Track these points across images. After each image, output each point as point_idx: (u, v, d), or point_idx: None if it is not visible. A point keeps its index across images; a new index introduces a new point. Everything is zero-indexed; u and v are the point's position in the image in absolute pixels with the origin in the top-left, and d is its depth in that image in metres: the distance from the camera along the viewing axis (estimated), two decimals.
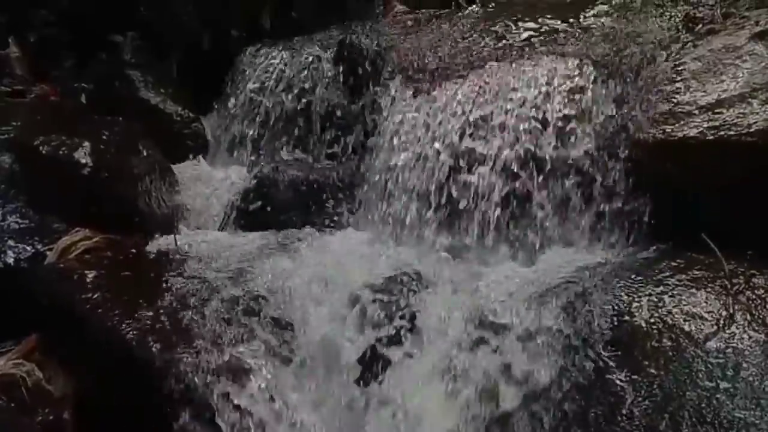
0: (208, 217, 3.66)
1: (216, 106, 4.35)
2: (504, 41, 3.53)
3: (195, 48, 4.52)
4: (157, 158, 3.64)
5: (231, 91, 4.30)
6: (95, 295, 2.54)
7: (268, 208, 3.51)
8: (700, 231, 2.54)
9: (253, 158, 4.04)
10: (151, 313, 2.49)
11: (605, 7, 3.69)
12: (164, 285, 2.69)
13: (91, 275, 2.65)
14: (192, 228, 3.57)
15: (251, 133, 4.11)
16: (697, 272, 2.40)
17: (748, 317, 2.22)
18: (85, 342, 2.47)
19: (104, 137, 3.39)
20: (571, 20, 3.58)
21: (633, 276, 2.44)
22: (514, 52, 3.39)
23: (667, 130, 2.73)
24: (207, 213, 3.66)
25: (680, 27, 3.33)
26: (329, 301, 2.61)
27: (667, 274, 2.41)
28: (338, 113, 3.83)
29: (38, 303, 2.64)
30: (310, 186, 3.51)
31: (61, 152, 3.18)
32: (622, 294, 2.37)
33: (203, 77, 4.36)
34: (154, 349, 2.36)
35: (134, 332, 2.40)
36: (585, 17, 3.61)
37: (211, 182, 3.84)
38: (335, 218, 3.36)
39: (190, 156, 4.15)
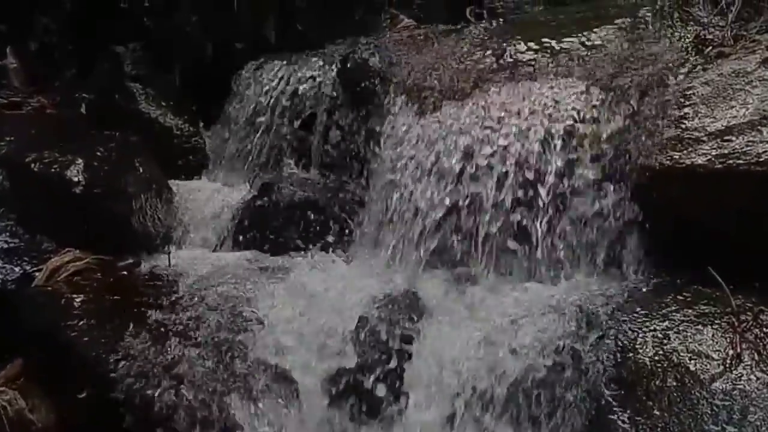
0: (205, 235, 3.59)
1: (218, 120, 4.30)
2: (509, 61, 3.45)
3: (198, 60, 4.47)
4: (154, 175, 3.57)
5: (233, 105, 4.24)
6: (81, 322, 2.47)
7: (266, 229, 3.44)
8: (708, 262, 2.45)
9: (253, 175, 3.98)
10: (137, 342, 2.42)
11: (614, 27, 3.61)
12: (154, 311, 2.62)
13: (78, 300, 2.58)
14: (188, 246, 3.51)
15: (252, 148, 4.05)
16: (703, 307, 2.32)
17: (756, 357, 2.13)
18: (69, 370, 2.40)
19: (99, 154, 3.32)
20: (579, 40, 3.49)
21: (638, 309, 2.35)
22: (520, 73, 3.31)
23: (675, 157, 2.65)
24: (204, 231, 3.60)
25: (690, 49, 3.24)
26: (322, 333, 2.52)
27: (673, 308, 2.33)
28: (340, 131, 3.76)
29: (24, 327, 2.57)
30: (309, 206, 3.44)
31: (53, 170, 3.12)
32: (627, 329, 2.29)
33: (206, 90, 4.30)
34: (137, 382, 2.29)
35: (118, 362, 2.33)
36: (593, 37, 3.51)
37: (209, 199, 3.77)
38: (334, 240, 3.28)
39: (190, 171, 4.10)
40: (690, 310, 2.31)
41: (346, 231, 3.31)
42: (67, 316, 2.50)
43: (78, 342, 2.41)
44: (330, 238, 3.30)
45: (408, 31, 4.38)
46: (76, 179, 3.09)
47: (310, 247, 3.29)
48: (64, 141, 3.45)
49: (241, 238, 3.47)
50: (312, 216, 3.40)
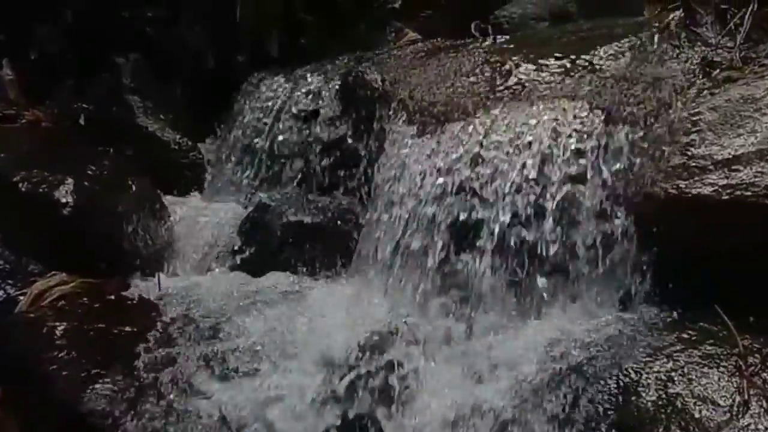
0: (199, 256, 3.51)
1: (218, 135, 4.22)
2: (512, 80, 3.36)
3: (200, 72, 4.39)
4: (148, 193, 3.50)
5: (231, 121, 4.17)
6: (61, 354, 2.37)
7: (261, 251, 3.36)
8: (715, 297, 2.36)
9: (249, 193, 3.90)
10: (119, 378, 2.32)
11: (620, 47, 3.52)
12: (139, 340, 2.53)
13: (60, 328, 2.49)
14: (181, 268, 3.43)
15: (249, 165, 3.98)
16: (709, 347, 2.21)
17: (765, 404, 2.02)
18: (48, 405, 2.31)
19: (90, 172, 3.24)
20: (584, 60, 3.41)
21: (640, 348, 2.25)
22: (522, 94, 3.22)
23: (681, 186, 2.55)
24: (198, 251, 3.51)
25: (697, 71, 3.15)
26: (310, 370, 2.44)
27: (677, 348, 2.22)
28: (339, 150, 3.68)
29: (5, 356, 2.48)
30: (305, 229, 3.35)
31: (41, 190, 3.03)
32: (629, 369, 2.18)
33: (207, 103, 4.23)
34: (116, 421, 2.20)
35: (98, 398, 2.23)
36: (598, 57, 3.43)
37: (205, 218, 3.69)
38: (328, 266, 3.19)
39: (187, 187, 4.02)
40: (695, 351, 2.20)
41: (342, 256, 3.22)
42: (48, 347, 2.40)
43: (57, 375, 2.31)
44: (326, 263, 3.21)
45: (412, 46, 4.32)
46: (64, 200, 3.00)
47: (305, 271, 3.20)
48: (56, 158, 3.38)
49: (234, 259, 3.39)
50: (308, 238, 3.31)
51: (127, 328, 2.62)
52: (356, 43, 4.40)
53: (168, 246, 3.42)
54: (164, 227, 3.46)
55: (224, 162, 4.10)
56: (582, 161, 2.83)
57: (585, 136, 2.89)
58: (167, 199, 3.72)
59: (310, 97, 3.88)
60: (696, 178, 2.53)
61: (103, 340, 2.53)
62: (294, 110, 3.89)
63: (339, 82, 3.76)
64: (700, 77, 3.09)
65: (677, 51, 3.35)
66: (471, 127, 3.09)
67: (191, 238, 3.54)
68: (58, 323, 2.52)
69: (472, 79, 3.44)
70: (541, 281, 2.66)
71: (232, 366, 2.43)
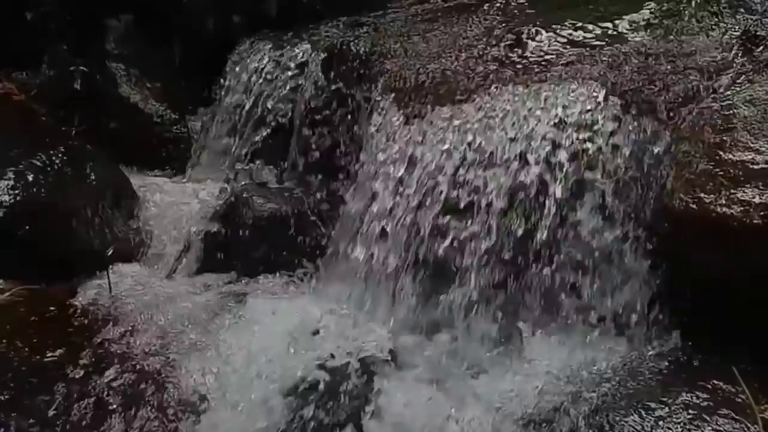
0: (165, 250, 3.17)
1: (206, 107, 3.86)
2: (518, 55, 2.94)
3: (194, 35, 4.00)
4: (112, 180, 3.15)
5: (219, 91, 3.80)
6: None
7: (231, 247, 3.01)
8: (736, 340, 1.96)
9: (228, 174, 3.54)
10: (31, 421, 2.02)
11: (646, 14, 3.05)
12: (71, 365, 2.23)
13: None
14: (145, 266, 3.10)
15: (231, 143, 3.61)
16: (721, 419, 1.81)
17: None
18: None
19: (38, 163, 2.89)
20: (602, 30, 2.98)
21: (638, 413, 1.86)
22: (527, 72, 2.80)
23: (705, 200, 2.11)
24: (164, 245, 3.17)
25: (735, 48, 2.68)
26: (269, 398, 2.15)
27: (683, 418, 1.83)
28: (322, 131, 3.28)
29: None
30: (279, 222, 3.00)
31: None
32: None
33: (201, 70, 3.85)
34: None
35: None
36: (623, 26, 3.02)
37: (178, 204, 3.33)
38: (301, 268, 2.85)
39: (169, 164, 3.69)
40: (705, 423, 1.79)
41: (316, 256, 2.88)
42: None
43: None
44: (297, 264, 2.87)
45: (416, 7, 3.89)
46: (1, 199, 2.69)
47: (276, 271, 2.88)
48: (11, 142, 3.03)
49: (200, 255, 3.05)
50: (281, 234, 2.97)
51: (61, 350, 2.31)
52: (360, 3, 3.95)
53: (132, 241, 3.08)
54: (129, 219, 3.12)
55: (208, 137, 3.75)
56: (587, 159, 2.41)
57: (594, 128, 2.46)
58: (142, 181, 3.39)
59: (295, 69, 3.46)
60: (723, 192, 2.10)
61: (28, 365, 2.23)
62: (276, 82, 3.49)
63: (324, 56, 3.32)
64: (739, 56, 2.62)
65: (715, 19, 2.91)
66: (464, 113, 2.69)
67: (160, 229, 3.20)
68: None
69: (474, 52, 3.05)
70: (531, 301, 2.27)
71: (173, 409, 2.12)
